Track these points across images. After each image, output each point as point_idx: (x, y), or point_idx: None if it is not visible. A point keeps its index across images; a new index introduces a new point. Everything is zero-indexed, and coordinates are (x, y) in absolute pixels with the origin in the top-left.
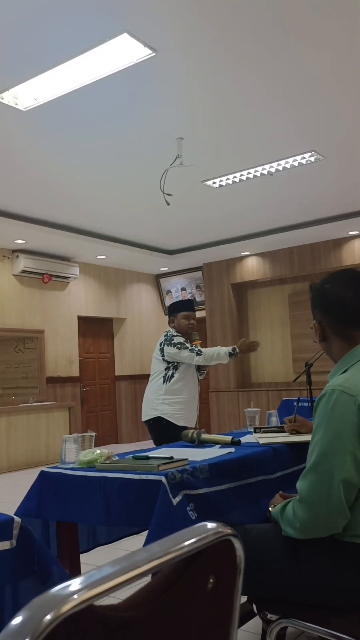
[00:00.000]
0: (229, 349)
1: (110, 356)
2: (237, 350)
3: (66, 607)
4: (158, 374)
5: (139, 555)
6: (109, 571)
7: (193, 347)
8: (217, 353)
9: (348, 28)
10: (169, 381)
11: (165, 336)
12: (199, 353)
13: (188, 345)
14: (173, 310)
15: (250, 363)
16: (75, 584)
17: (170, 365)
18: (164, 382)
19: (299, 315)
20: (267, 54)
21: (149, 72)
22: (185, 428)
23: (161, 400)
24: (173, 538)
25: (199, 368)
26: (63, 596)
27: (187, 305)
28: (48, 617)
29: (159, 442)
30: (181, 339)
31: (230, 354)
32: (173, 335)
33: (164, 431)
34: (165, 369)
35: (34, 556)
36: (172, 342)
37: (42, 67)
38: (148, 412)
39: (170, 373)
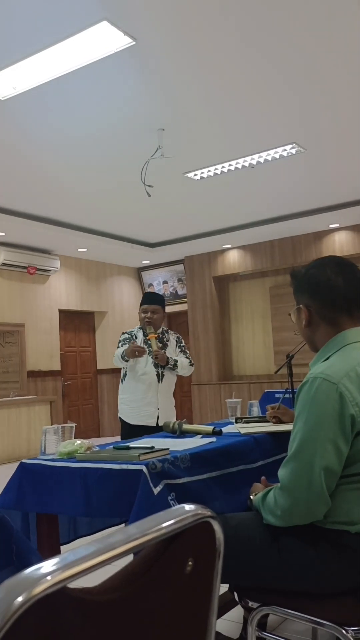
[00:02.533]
0: (122, 351)
1: (91, 350)
2: (125, 353)
3: (38, 589)
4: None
5: (116, 536)
6: (83, 553)
7: (118, 348)
8: (117, 355)
9: (328, 21)
10: (124, 380)
11: None
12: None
13: (121, 344)
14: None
15: (232, 356)
16: (48, 565)
17: (127, 362)
18: (121, 381)
19: (280, 308)
20: (249, 46)
21: (129, 61)
22: (141, 427)
23: (120, 399)
24: (151, 520)
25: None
26: (35, 578)
27: (144, 299)
28: (19, 599)
29: None
30: (125, 336)
31: (121, 357)
32: (123, 332)
33: (123, 431)
34: (123, 367)
35: (12, 547)
36: (120, 338)
37: (20, 55)
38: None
39: (124, 371)
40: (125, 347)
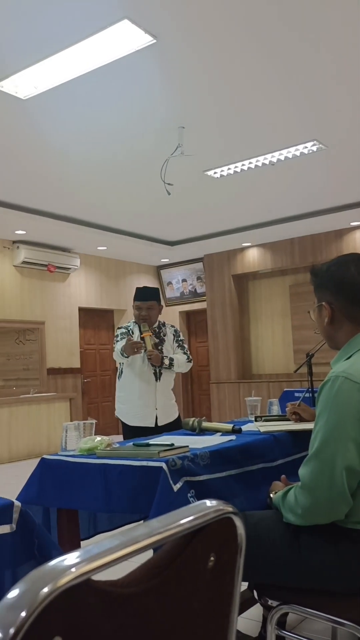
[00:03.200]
0: (120, 347)
1: (111, 347)
2: (123, 349)
3: (63, 580)
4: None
5: (139, 530)
6: (107, 546)
7: (116, 343)
8: (117, 351)
9: (351, 17)
10: (121, 377)
11: None
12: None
13: (119, 338)
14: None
15: (251, 354)
16: (73, 557)
17: (127, 358)
18: (118, 378)
19: (300, 307)
20: (270, 43)
21: (150, 60)
22: (140, 429)
23: (117, 397)
24: (173, 515)
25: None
26: (61, 569)
27: (137, 295)
28: (45, 589)
29: None
30: (122, 330)
31: (121, 352)
32: (119, 326)
33: (123, 431)
34: (120, 363)
35: (34, 541)
36: (116, 332)
37: (42, 55)
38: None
39: (121, 368)
40: (123, 342)
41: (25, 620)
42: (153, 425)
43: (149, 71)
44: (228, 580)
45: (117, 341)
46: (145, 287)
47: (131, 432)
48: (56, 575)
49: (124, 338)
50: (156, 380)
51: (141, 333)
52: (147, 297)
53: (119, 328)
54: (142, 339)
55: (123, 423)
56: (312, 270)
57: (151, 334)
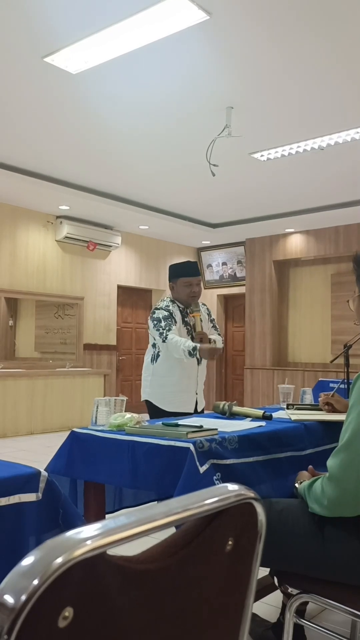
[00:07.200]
0: (191, 347)
1: (147, 327)
2: (197, 351)
3: (79, 552)
4: (148, 351)
5: (157, 509)
6: (124, 521)
7: (163, 330)
8: (178, 347)
9: None
10: (156, 360)
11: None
12: (164, 339)
13: (163, 324)
14: (173, 274)
15: (288, 342)
16: (90, 530)
17: (156, 341)
18: (151, 362)
19: (342, 297)
20: (324, 24)
21: (202, 37)
22: (177, 414)
23: (149, 382)
24: (193, 496)
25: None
26: (76, 540)
27: (189, 269)
28: (59, 559)
29: None
30: (162, 314)
31: (190, 353)
32: (156, 308)
33: (153, 415)
34: (153, 346)
35: (59, 510)
36: (152, 315)
37: (93, 28)
38: (142, 394)
39: (156, 351)
40: (175, 331)
41: (37, 589)
42: (193, 411)
43: (200, 49)
44: (245, 566)
45: (161, 327)
46: (193, 261)
47: (166, 417)
48: (71, 547)
49: (170, 323)
50: (198, 364)
51: (190, 312)
52: (198, 272)
53: (157, 309)
54: (191, 318)
55: (157, 408)
56: (355, 259)
57: (200, 315)
